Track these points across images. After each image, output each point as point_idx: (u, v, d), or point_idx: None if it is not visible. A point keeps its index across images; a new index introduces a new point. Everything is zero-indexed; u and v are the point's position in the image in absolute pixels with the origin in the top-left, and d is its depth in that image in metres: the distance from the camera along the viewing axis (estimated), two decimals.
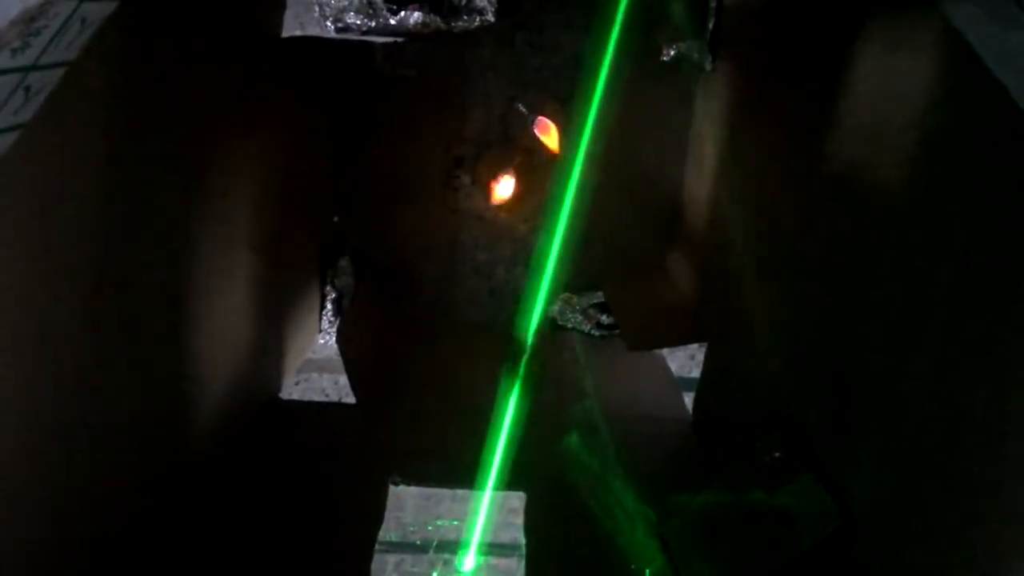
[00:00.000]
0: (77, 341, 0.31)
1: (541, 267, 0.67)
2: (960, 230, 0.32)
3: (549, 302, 0.69)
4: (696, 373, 0.64)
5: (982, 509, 0.30)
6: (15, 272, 0.26)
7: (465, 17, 0.62)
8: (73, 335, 0.31)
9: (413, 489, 0.49)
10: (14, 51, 0.19)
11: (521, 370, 0.61)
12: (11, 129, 0.23)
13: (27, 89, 0.22)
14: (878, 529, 0.36)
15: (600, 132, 0.65)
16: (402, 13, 0.61)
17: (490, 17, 0.62)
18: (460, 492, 0.49)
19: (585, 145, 0.65)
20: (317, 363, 0.72)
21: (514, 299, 0.71)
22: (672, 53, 0.63)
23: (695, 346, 0.69)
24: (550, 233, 0.66)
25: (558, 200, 0.66)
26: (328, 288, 0.67)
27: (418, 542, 0.47)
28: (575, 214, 0.66)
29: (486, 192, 0.68)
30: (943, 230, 0.33)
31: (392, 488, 0.49)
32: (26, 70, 0.21)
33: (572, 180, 0.65)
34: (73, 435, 0.31)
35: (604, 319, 0.69)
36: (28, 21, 0.18)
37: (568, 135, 0.66)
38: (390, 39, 0.62)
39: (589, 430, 0.54)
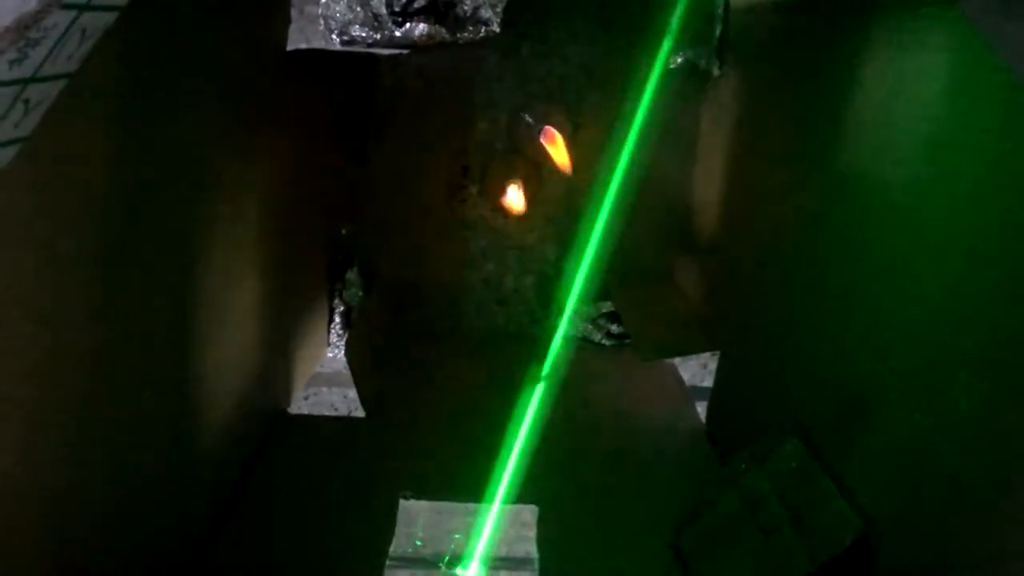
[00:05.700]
0: (81, 355, 0.31)
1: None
2: (973, 230, 0.31)
3: (556, 309, 0.69)
4: (709, 382, 0.64)
5: (990, 514, 0.29)
6: (18, 286, 0.26)
7: (470, 28, 0.62)
8: (77, 349, 0.30)
9: (424, 503, 0.48)
10: (11, 63, 0.19)
11: (538, 381, 0.60)
12: (11, 143, 0.23)
13: (26, 102, 0.22)
14: (893, 537, 0.36)
15: (607, 141, 0.65)
16: (407, 25, 0.61)
17: (495, 28, 0.62)
18: (472, 506, 0.49)
19: (592, 154, 0.65)
20: (326, 377, 0.71)
21: (523, 310, 0.70)
22: (679, 60, 0.63)
23: (707, 354, 0.68)
24: (552, 240, 0.66)
25: (563, 208, 0.65)
26: (336, 301, 0.67)
27: (429, 557, 0.46)
28: (581, 222, 0.66)
29: (493, 202, 0.68)
30: (956, 231, 0.32)
31: (403, 502, 0.48)
32: (25, 82, 0.21)
33: (578, 189, 0.65)
34: (76, 444, 0.31)
35: (615, 329, 0.68)
36: (22, 29, 0.17)
37: (575, 144, 0.66)
38: (396, 51, 0.62)
39: None
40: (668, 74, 0.63)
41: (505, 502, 0.49)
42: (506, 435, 0.53)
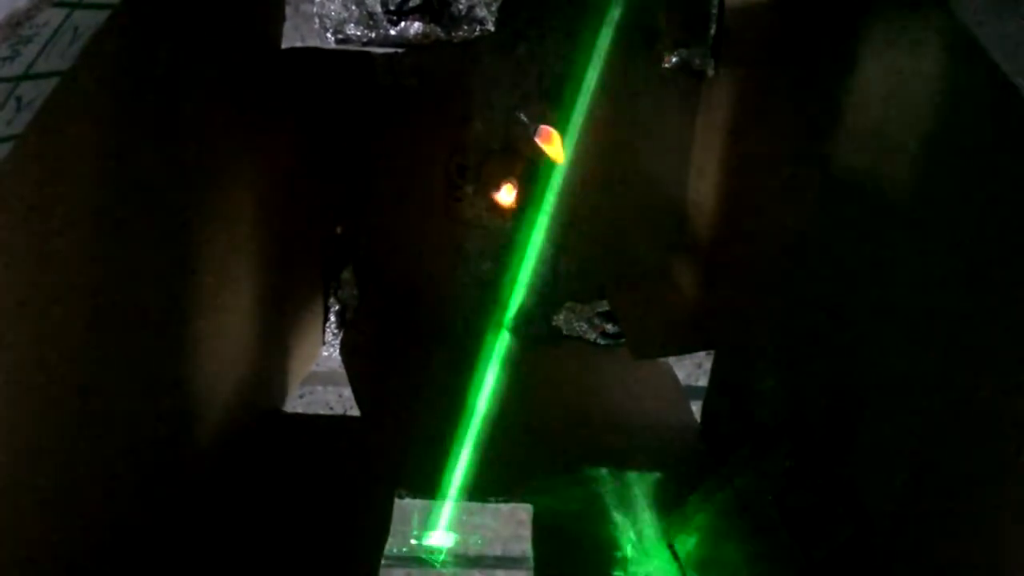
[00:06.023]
0: (75, 354, 0.31)
1: (539, 272, 0.67)
2: (967, 231, 0.31)
3: (551, 309, 0.69)
4: (703, 381, 0.64)
5: (990, 509, 0.29)
6: (13, 284, 0.26)
7: (465, 27, 0.62)
8: (72, 347, 0.30)
9: (419, 502, 0.49)
10: (4, 60, 0.19)
11: (523, 380, 0.60)
12: (4, 140, 0.23)
13: (19, 99, 0.22)
14: (891, 534, 0.36)
15: (603, 140, 0.65)
16: (402, 24, 0.61)
17: (490, 27, 0.62)
18: (467, 505, 0.49)
19: (588, 153, 0.65)
20: (321, 376, 0.71)
21: (519, 309, 0.70)
22: (674, 60, 0.63)
23: (702, 354, 0.68)
24: (548, 239, 0.66)
25: (559, 207, 0.65)
26: (331, 300, 0.67)
27: (425, 556, 0.46)
28: (577, 222, 0.66)
29: (489, 201, 0.68)
30: (950, 232, 0.32)
31: (398, 501, 0.48)
32: (17, 80, 0.21)
33: (574, 188, 0.65)
34: (71, 443, 0.31)
35: (610, 328, 0.68)
36: (14, 26, 0.17)
37: (570, 143, 0.66)
38: (391, 50, 0.62)
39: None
40: (663, 74, 0.63)
41: (500, 501, 0.49)
42: (501, 434, 0.53)
